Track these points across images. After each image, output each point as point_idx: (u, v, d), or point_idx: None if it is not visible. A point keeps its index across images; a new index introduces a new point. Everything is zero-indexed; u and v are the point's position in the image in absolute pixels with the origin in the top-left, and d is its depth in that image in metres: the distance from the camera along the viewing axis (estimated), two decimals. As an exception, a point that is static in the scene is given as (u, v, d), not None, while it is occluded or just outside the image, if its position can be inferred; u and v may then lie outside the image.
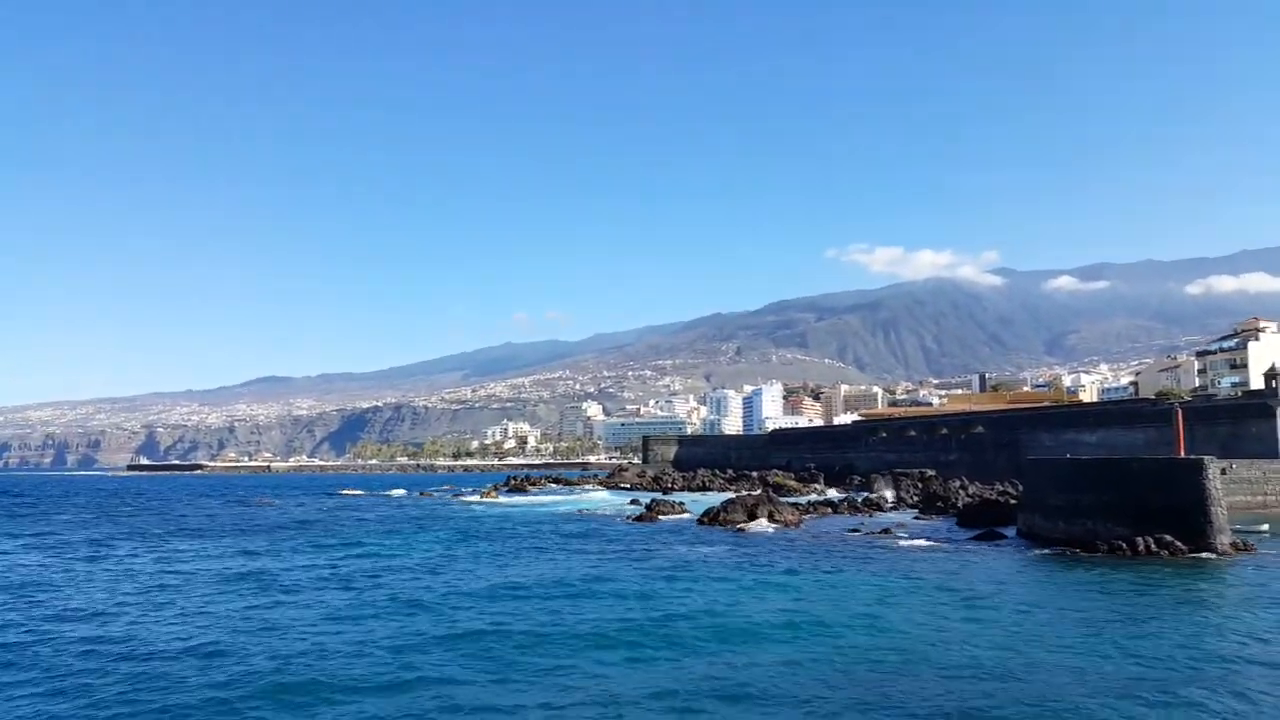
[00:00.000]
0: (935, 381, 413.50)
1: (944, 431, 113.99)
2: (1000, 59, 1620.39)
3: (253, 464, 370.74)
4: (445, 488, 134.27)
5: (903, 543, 47.32)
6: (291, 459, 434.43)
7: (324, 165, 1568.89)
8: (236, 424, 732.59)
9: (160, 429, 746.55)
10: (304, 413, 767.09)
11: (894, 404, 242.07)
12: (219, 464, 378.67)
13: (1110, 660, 21.50)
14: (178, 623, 27.32)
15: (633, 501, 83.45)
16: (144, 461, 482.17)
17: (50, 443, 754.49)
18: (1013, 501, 60.46)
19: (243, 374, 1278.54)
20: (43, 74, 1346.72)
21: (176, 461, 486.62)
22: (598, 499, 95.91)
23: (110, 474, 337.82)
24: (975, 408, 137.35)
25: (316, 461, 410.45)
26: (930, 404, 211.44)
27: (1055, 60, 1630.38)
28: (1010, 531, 49.65)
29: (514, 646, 23.43)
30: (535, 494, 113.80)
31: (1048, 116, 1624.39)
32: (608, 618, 27.19)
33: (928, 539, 48.46)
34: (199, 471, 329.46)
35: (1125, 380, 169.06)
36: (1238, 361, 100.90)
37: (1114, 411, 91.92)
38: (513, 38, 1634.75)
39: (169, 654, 22.94)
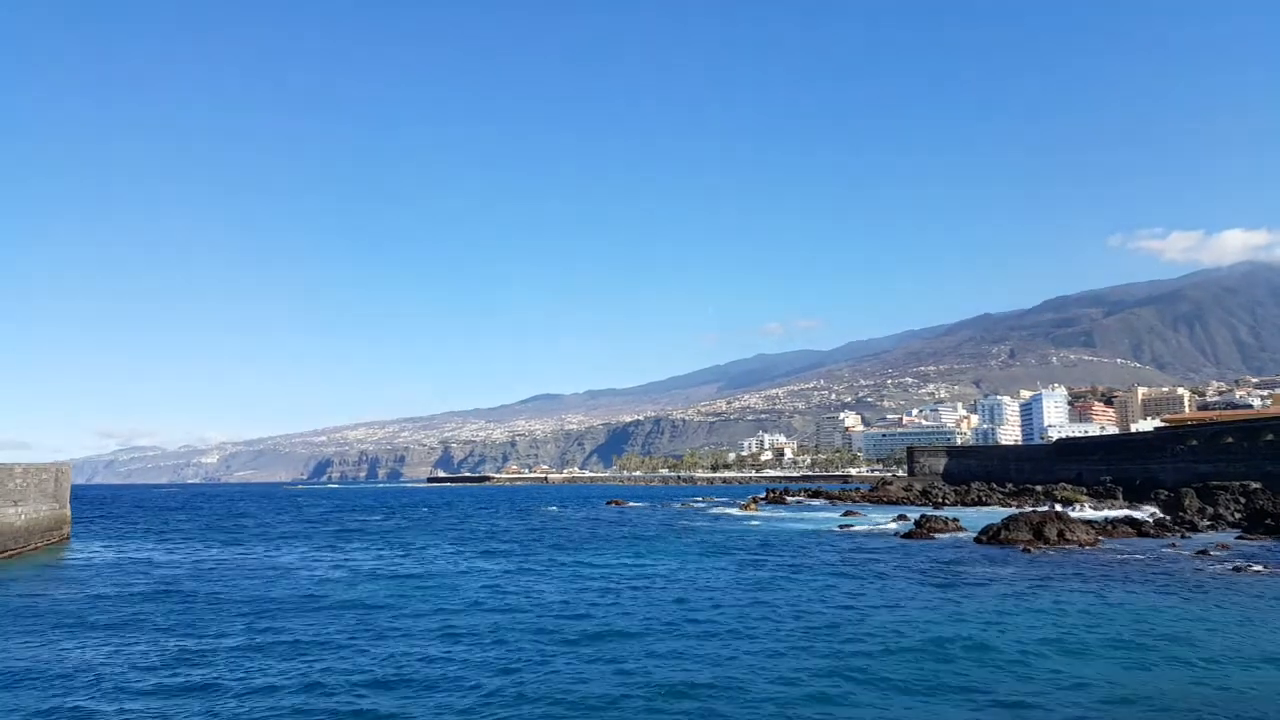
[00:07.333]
0: (1255, 380, 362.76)
1: (1269, 438, 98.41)
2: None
3: (532, 475, 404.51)
4: (699, 501, 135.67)
5: (1233, 569, 40.23)
6: (565, 470, 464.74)
7: (591, 199, 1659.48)
8: (517, 439, 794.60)
9: (454, 444, 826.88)
10: (574, 427, 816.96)
11: (1204, 407, 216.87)
12: (504, 475, 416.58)
13: None
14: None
15: (900, 517, 78.91)
16: (441, 474, 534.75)
17: (364, 458, 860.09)
18: (1375, 521, 50.23)
19: (521, 392, 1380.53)
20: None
21: (468, 474, 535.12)
22: (863, 513, 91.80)
23: (413, 485, 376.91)
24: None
25: (587, 473, 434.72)
26: (1250, 406, 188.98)
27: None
28: (1377, 558, 40.98)
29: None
30: (796, 508, 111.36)
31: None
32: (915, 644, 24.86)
33: (1263, 564, 40.99)
34: (488, 483, 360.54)
35: None
36: None
37: None
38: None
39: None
